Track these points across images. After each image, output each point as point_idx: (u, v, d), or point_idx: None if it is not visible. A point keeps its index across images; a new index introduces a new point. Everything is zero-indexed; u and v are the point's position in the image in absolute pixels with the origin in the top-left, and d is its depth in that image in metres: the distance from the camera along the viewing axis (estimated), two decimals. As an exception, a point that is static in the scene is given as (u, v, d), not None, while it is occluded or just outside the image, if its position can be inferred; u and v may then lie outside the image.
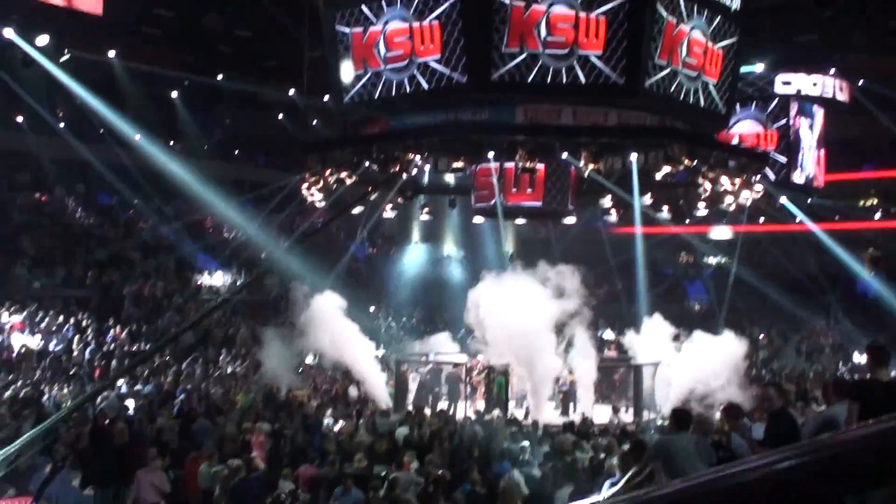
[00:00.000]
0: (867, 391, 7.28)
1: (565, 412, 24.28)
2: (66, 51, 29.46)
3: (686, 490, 2.54)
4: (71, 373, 23.97)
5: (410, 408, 23.85)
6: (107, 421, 18.32)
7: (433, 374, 26.06)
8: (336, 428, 19.77)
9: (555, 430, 19.72)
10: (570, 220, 27.16)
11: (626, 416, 23.63)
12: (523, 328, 22.24)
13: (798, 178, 37.60)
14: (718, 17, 24.30)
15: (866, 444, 2.12)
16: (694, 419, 10.71)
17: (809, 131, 38.44)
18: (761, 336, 36.65)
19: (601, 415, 24.43)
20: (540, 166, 24.37)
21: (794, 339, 36.59)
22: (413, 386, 25.74)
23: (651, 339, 25.06)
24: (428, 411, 22.35)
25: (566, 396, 24.92)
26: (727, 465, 2.55)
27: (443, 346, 28.29)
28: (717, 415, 11.79)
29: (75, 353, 25.58)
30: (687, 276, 46.01)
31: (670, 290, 42.32)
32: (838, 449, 2.17)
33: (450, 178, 29.66)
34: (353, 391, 25.92)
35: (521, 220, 30.80)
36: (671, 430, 8.49)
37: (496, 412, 22.60)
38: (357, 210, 28.08)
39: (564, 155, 24.13)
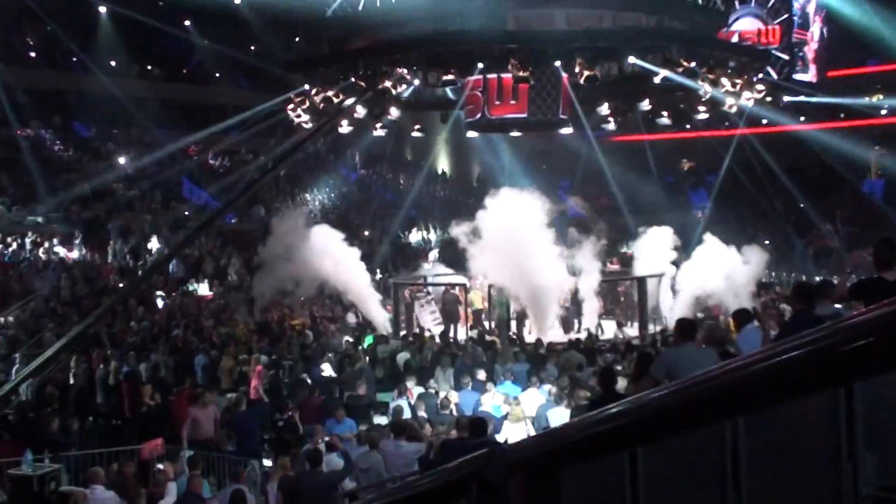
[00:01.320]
0: (871, 290, 6.77)
1: (567, 330, 24.30)
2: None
3: (685, 389, 2.46)
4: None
5: (408, 331, 23.90)
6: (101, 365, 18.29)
7: (432, 296, 26.07)
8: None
9: (560, 347, 19.72)
10: (565, 130, 26.74)
11: (632, 331, 23.65)
12: (523, 245, 22.06)
13: (801, 75, 37.07)
14: None
15: (872, 327, 2.03)
16: (704, 329, 10.60)
17: (812, 26, 37.75)
18: (766, 242, 36.55)
19: (606, 330, 24.52)
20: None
21: (800, 244, 36.54)
22: (415, 310, 25.73)
23: (654, 249, 24.94)
24: (428, 335, 22.36)
25: (568, 313, 24.90)
26: (728, 361, 2.45)
27: (440, 269, 28.25)
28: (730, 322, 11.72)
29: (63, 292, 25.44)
30: (689, 183, 45.81)
31: (672, 198, 42.16)
32: (842, 335, 2.07)
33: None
34: (350, 317, 25.88)
35: (516, 133, 30.36)
36: (676, 342, 8.37)
37: (497, 332, 22.62)
38: (345, 129, 27.65)
39: (558, 63, 23.64)
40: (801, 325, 8.15)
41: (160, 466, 11.77)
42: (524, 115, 24.87)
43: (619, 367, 15.93)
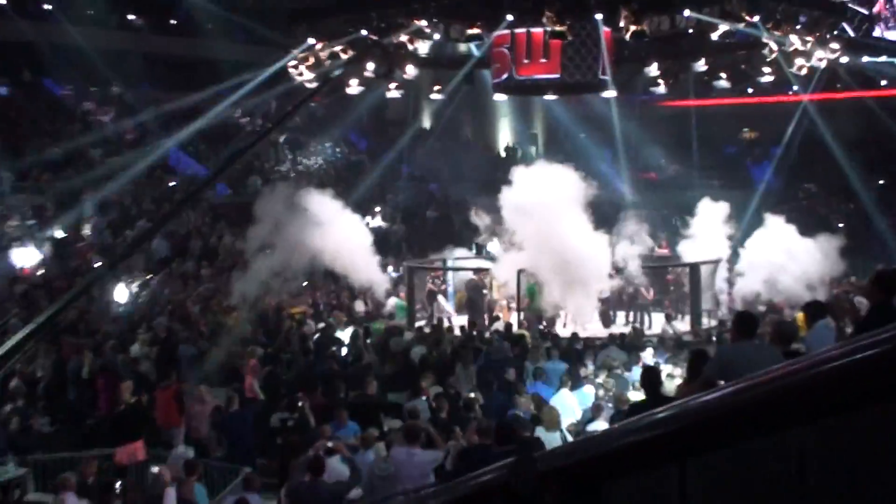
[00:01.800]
0: None
1: (607, 324, 24.32)
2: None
3: (739, 391, 2.44)
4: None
5: (425, 323, 23.96)
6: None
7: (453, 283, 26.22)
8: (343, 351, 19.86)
9: (599, 343, 19.72)
10: (608, 93, 26.60)
11: (683, 325, 23.63)
12: (559, 226, 22.03)
13: (883, 33, 36.65)
14: None
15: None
16: (769, 325, 10.54)
17: (897, -26, 37.30)
18: (840, 225, 36.33)
19: (653, 324, 24.49)
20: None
21: (883, 225, 36.23)
22: (437, 299, 25.88)
23: (709, 231, 24.88)
24: (447, 326, 22.42)
25: (609, 305, 24.92)
26: (792, 361, 2.42)
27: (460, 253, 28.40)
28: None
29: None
30: (752, 155, 45.52)
31: (731, 172, 41.98)
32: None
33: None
34: (359, 305, 25.98)
35: (550, 97, 30.24)
36: (734, 338, 8.39)
37: (527, 325, 22.64)
38: (355, 90, 27.64)
39: (599, 16, 23.49)
40: (879, 321, 8.11)
41: (155, 469, 11.87)
42: (556, 76, 24.72)
43: (668, 367, 15.93)
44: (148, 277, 26.29)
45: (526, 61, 24.65)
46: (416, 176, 41.21)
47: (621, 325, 24.70)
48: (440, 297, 25.92)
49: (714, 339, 19.16)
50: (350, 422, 14.25)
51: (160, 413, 15.63)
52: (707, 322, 23.72)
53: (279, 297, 24.44)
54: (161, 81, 38.35)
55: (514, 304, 24.06)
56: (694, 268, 24.33)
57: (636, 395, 14.37)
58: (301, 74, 26.58)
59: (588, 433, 13.13)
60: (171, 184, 32.97)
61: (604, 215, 24.52)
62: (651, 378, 9.75)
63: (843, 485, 2.30)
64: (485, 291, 24.96)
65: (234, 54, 38.75)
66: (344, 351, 19.77)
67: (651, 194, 38.45)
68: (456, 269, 27.37)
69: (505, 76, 25.25)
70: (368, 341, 20.28)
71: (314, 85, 26.99)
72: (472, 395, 15.39)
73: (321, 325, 22.40)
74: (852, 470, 2.26)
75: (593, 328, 23.14)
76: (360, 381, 16.54)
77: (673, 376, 15.29)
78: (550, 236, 21.96)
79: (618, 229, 25.36)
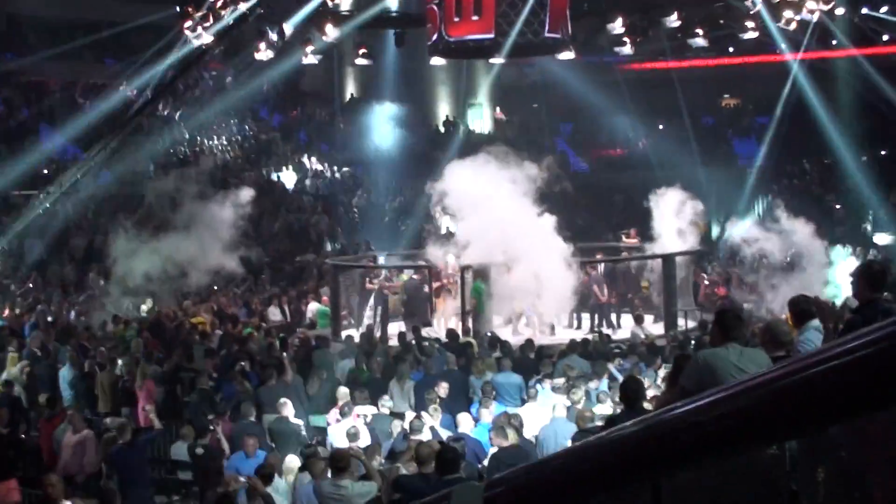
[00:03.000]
0: None
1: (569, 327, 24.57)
2: None
3: (712, 403, 2.49)
4: None
5: (355, 332, 23.90)
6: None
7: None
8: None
9: (558, 350, 19.82)
10: (564, 55, 26.73)
11: (656, 328, 23.85)
12: (506, 213, 22.16)
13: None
14: None
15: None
16: (752, 326, 10.64)
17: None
18: (837, 206, 36.96)
19: (621, 327, 24.69)
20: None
21: (886, 206, 36.88)
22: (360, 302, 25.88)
23: (683, 216, 25.15)
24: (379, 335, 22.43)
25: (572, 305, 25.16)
26: (771, 368, 2.48)
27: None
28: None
29: None
30: (734, 126, 46.02)
31: (711, 145, 42.39)
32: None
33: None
34: (274, 313, 25.91)
35: (497, 60, 30.33)
36: (715, 342, 8.39)
37: (474, 332, 22.71)
38: (263, 55, 27.50)
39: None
40: (870, 318, 8.28)
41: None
42: (489, 36, 24.57)
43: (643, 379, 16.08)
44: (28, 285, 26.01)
45: (456, 19, 24.42)
46: (337, 156, 41.13)
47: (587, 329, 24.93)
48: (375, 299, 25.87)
49: (693, 343, 19.37)
50: (263, 451, 14.21)
51: (42, 446, 15.49)
52: (684, 323, 23.98)
53: (178, 303, 24.29)
54: (28, 45, 37.80)
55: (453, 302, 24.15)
56: (668, 260, 24.55)
57: (603, 410, 14.51)
58: (198, 37, 26.39)
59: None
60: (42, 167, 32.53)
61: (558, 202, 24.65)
62: (630, 389, 9.86)
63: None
64: (425, 294, 24.98)
65: (116, 14, 38.31)
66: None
67: (616, 174, 38.78)
68: (391, 268, 27.38)
69: (435, 37, 25.15)
70: (285, 355, 20.21)
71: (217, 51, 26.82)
72: (427, 414, 15.35)
73: (229, 335, 22.28)
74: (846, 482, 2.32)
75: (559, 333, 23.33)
76: (274, 402, 16.49)
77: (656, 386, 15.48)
78: (494, 231, 22.08)
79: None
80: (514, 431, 13.45)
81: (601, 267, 26.18)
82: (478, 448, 13.83)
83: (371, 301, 25.92)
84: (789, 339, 9.09)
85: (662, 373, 16.56)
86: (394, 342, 21.85)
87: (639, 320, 23.33)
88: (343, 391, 16.66)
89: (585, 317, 25.72)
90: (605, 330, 23.96)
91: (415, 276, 25.60)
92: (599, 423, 12.33)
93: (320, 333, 23.42)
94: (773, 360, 7.86)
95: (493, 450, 13.29)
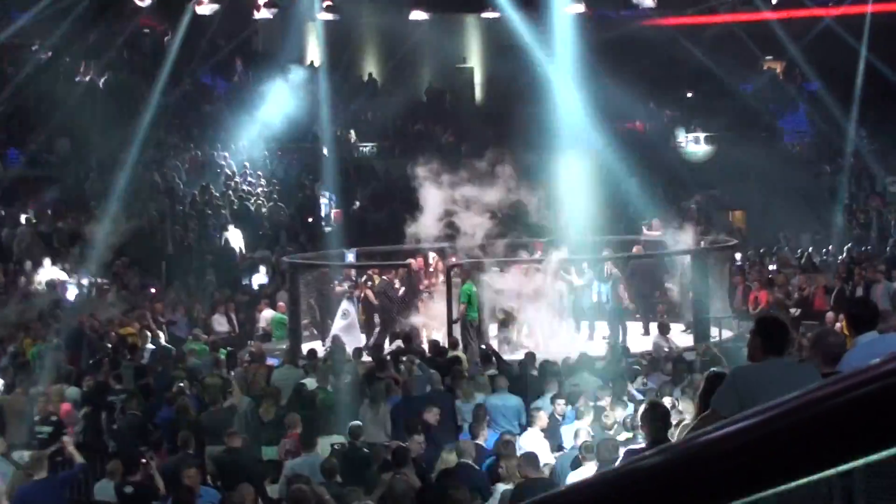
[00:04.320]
0: None
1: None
2: None
3: (752, 427, 2.50)
4: None
5: (320, 345, 23.90)
6: None
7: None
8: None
9: (565, 367, 19.82)
10: (572, 7, 26.81)
11: (685, 338, 23.89)
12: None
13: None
14: None
15: None
16: (801, 336, 10.63)
17: None
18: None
19: (642, 338, 24.71)
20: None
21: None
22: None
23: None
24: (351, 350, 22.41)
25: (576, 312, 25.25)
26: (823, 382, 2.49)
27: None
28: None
29: None
30: (777, 95, 46.04)
31: (749, 118, 42.42)
32: None
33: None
34: (219, 322, 25.90)
35: (489, 14, 30.36)
36: (755, 356, 8.35)
37: (463, 342, 22.74)
38: (206, 10, 27.49)
39: None
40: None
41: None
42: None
43: (667, 400, 16.07)
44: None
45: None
46: (296, 134, 41.10)
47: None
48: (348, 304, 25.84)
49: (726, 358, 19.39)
50: (207, 487, 14.17)
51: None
52: (718, 334, 24.01)
53: (102, 311, 24.25)
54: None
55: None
56: (698, 257, 24.58)
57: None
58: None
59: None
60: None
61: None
62: (654, 417, 9.86)
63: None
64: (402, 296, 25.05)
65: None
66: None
67: (633, 152, 38.77)
68: (359, 267, 27.38)
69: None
70: (233, 373, 20.18)
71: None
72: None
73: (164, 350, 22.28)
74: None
75: (560, 346, 23.35)
76: (222, 430, 16.47)
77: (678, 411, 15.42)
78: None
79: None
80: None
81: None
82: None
83: (344, 307, 25.83)
84: (842, 353, 9.05)
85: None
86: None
87: (664, 330, 23.31)
88: (293, 417, 16.64)
89: (595, 326, 25.78)
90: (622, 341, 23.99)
91: (385, 278, 25.59)
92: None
93: (276, 346, 23.38)
94: (824, 378, 7.85)
95: (503, 486, 13.23)
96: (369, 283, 26.16)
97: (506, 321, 24.45)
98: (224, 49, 43.01)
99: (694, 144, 41.45)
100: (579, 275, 25.60)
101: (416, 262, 25.31)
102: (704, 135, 40.98)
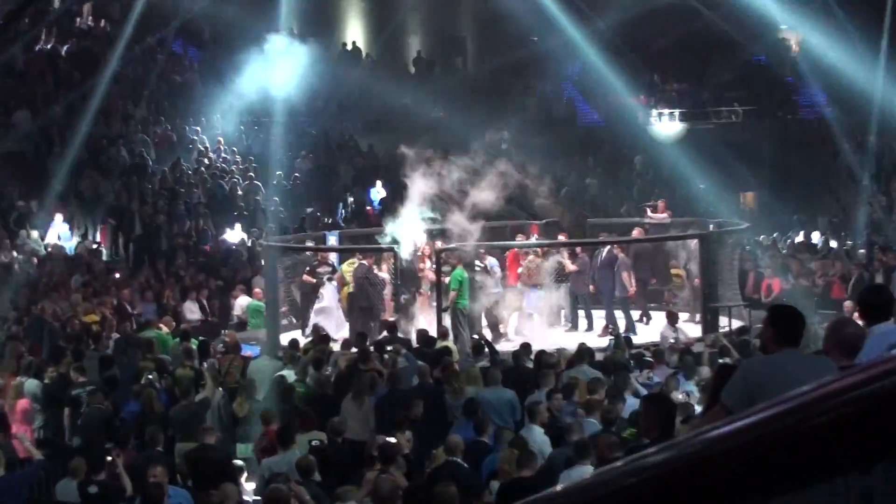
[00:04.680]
0: None
1: (575, 328, 24.70)
2: None
3: (777, 417, 2.50)
4: None
5: (300, 336, 23.90)
6: None
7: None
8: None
9: (560, 358, 19.82)
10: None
11: (692, 328, 23.92)
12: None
13: None
14: None
15: None
16: (817, 326, 10.62)
17: None
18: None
19: (648, 328, 24.74)
20: None
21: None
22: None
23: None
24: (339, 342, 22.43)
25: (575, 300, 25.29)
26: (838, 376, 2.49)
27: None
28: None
29: None
30: (791, 66, 46.01)
31: (764, 90, 42.43)
32: None
33: None
34: (191, 309, 25.88)
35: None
36: (768, 347, 8.37)
37: (454, 331, 22.77)
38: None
39: None
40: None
41: None
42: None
43: (678, 395, 16.09)
44: None
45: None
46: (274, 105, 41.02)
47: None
48: (327, 290, 25.82)
49: (736, 348, 19.40)
50: (176, 487, 14.15)
51: None
52: (727, 324, 24.05)
53: (63, 295, 24.21)
54: None
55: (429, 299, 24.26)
56: (706, 240, 24.61)
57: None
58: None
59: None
60: None
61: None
62: (661, 410, 9.83)
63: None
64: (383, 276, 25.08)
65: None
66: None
67: (638, 128, 38.81)
68: (342, 250, 27.38)
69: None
70: (205, 364, 20.16)
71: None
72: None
73: (131, 339, 22.25)
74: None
75: (557, 336, 23.39)
76: (194, 425, 16.47)
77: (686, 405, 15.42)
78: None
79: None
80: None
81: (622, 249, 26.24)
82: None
83: (325, 294, 25.82)
84: (861, 344, 9.02)
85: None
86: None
87: (672, 319, 23.27)
88: (269, 413, 16.64)
89: (592, 314, 25.84)
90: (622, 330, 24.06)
91: (364, 262, 25.58)
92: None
93: (252, 335, 23.37)
94: (841, 371, 7.84)
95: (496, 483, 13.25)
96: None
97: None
98: (191, 13, 42.96)
99: (664, 123, 41.84)
100: (573, 260, 25.63)
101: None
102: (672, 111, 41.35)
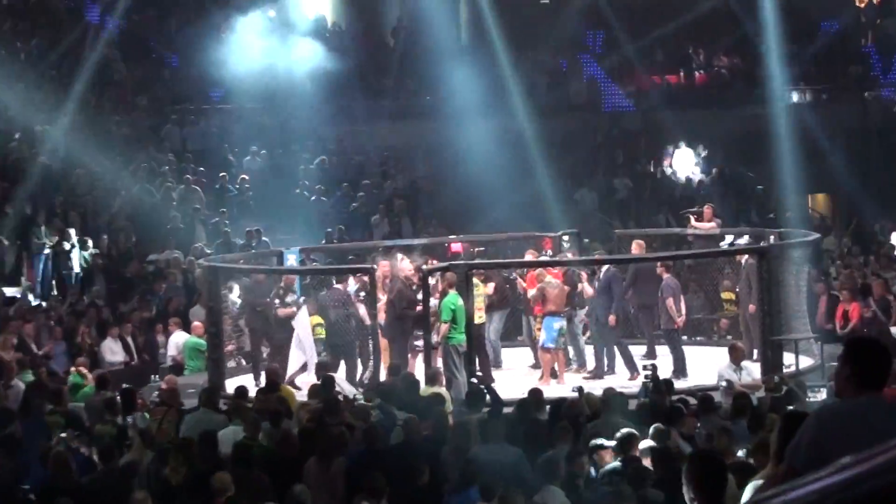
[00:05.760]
0: None
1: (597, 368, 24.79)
2: None
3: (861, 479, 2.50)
4: None
5: (252, 383, 23.91)
6: None
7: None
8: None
9: (580, 404, 19.82)
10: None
11: (749, 368, 23.94)
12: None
13: None
14: None
15: None
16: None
17: None
18: None
19: (695, 367, 24.76)
20: None
21: None
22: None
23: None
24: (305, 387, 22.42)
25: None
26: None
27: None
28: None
29: None
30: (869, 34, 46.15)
31: (836, 66, 42.54)
32: None
33: None
34: (112, 350, 25.88)
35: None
36: (845, 390, 8.35)
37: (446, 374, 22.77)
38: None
39: None
40: None
41: None
42: None
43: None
44: None
45: None
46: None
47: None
48: (301, 321, 25.81)
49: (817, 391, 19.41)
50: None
51: None
52: (794, 362, 24.04)
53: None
54: None
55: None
56: (767, 256, 24.65)
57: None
58: None
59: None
60: None
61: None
62: (702, 472, 9.81)
63: None
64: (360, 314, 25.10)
65: None
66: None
67: (677, 113, 38.99)
68: (306, 272, 27.41)
69: None
70: (131, 419, 20.12)
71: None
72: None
73: (40, 387, 22.24)
74: None
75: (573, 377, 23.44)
76: (117, 497, 16.46)
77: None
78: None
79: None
80: None
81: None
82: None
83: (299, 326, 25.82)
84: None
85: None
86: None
87: (736, 355, 22.99)
88: (224, 479, 16.60)
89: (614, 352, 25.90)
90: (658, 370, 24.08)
91: (338, 286, 25.59)
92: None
93: (191, 381, 23.39)
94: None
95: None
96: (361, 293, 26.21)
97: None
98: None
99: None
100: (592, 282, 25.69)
101: (382, 267, 25.35)
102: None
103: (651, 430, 17.57)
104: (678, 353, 25.34)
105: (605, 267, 25.73)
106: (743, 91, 42.77)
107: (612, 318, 25.27)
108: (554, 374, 24.98)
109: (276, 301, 26.06)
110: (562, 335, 24.83)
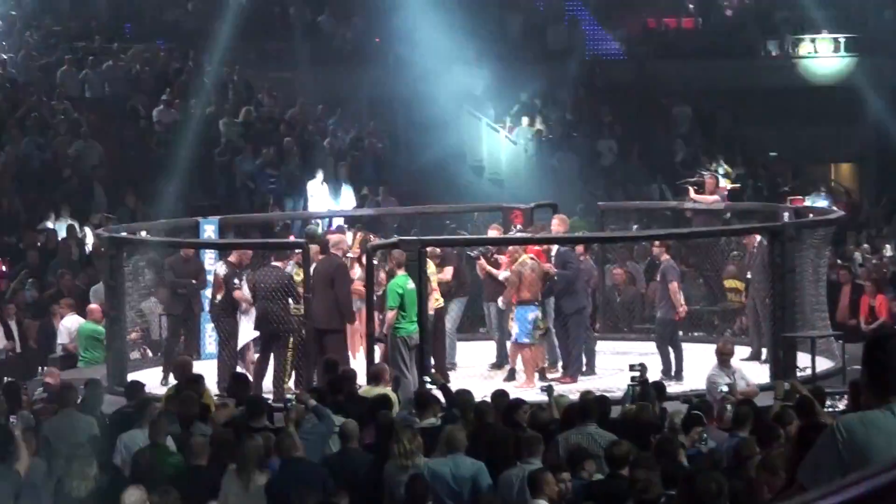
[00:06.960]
0: None
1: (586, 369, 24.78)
2: None
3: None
4: None
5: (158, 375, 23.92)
6: None
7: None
8: None
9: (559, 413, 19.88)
10: None
11: (753, 370, 24.01)
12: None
13: None
14: None
15: None
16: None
17: None
18: None
19: (694, 368, 24.83)
20: None
21: None
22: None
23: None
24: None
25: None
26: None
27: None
28: None
29: None
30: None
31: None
32: None
33: None
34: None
35: None
36: (867, 399, 8.39)
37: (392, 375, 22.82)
38: None
39: None
40: None
41: None
42: None
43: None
44: None
45: None
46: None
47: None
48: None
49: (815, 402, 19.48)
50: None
51: None
52: (811, 365, 24.11)
53: None
54: None
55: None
56: (778, 237, 24.72)
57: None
58: None
59: None
60: None
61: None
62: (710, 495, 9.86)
63: None
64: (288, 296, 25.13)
65: None
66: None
67: (676, 63, 39.23)
68: (228, 246, 27.40)
69: None
70: (14, 419, 20.13)
71: None
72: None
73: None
74: None
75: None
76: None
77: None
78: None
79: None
80: None
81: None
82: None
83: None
84: None
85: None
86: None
87: (724, 356, 23.16)
88: (135, 494, 16.60)
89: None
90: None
91: (276, 263, 25.60)
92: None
93: (85, 375, 23.40)
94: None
95: None
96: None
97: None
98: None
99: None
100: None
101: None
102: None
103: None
104: (677, 351, 25.38)
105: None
106: (755, 38, 42.87)
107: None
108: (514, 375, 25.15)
109: (236, 281, 25.97)
110: (537, 328, 24.82)
